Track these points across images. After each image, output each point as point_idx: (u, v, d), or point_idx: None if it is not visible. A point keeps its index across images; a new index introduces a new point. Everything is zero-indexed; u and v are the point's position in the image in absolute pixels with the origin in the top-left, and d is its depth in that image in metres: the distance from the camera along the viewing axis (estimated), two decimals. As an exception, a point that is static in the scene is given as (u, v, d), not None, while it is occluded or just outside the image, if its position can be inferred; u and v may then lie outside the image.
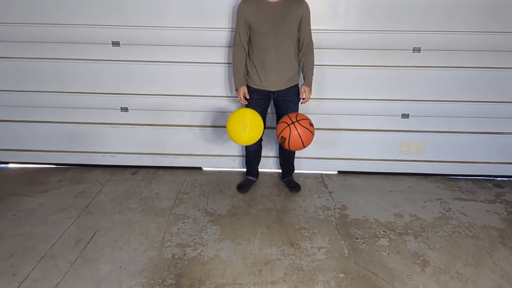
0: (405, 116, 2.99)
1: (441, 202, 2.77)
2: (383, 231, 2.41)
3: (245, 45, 2.47)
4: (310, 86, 2.56)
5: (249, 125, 2.34)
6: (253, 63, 2.48)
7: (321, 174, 3.18)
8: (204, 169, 3.24)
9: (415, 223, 2.50)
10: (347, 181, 3.07)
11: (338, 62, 2.82)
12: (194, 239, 2.29)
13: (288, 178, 2.93)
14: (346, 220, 2.52)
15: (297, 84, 2.58)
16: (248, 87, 2.56)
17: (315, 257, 2.15)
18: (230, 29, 2.71)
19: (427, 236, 2.37)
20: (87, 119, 3.06)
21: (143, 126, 3.08)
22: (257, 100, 2.56)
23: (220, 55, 2.80)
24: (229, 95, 2.94)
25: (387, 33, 2.72)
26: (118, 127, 3.08)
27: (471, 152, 3.09)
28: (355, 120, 3.01)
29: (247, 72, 2.55)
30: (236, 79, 2.52)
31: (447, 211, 2.66)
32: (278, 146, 2.90)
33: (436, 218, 2.57)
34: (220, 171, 3.20)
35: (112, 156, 3.18)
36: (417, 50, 2.77)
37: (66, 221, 2.45)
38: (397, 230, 2.42)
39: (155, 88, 2.94)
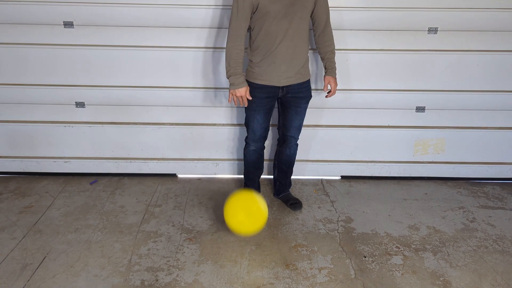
0: (420, 109, 3.03)
1: (464, 211, 2.82)
2: (396, 247, 2.44)
3: (245, 32, 2.38)
4: (335, 75, 2.55)
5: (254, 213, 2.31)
6: (257, 53, 2.40)
7: (321, 180, 3.19)
8: (180, 176, 3.22)
9: (434, 237, 2.53)
10: (352, 188, 3.09)
11: (340, 45, 2.84)
12: (168, 261, 2.28)
13: (285, 194, 2.90)
14: (351, 235, 2.54)
15: (309, 80, 2.57)
16: (249, 83, 2.46)
17: (315, 280, 2.16)
18: (214, 7, 2.71)
19: (448, 252, 2.40)
20: (34, 117, 3.02)
21: (104, 125, 3.05)
22: (261, 99, 2.48)
23: (200, 38, 2.80)
24: (210, 86, 2.94)
25: (397, 10, 2.76)
26: (72, 127, 3.05)
27: (499, 151, 3.15)
28: (361, 115, 3.04)
29: (248, 66, 2.49)
30: (237, 78, 2.37)
31: (471, 221, 2.70)
32: (274, 152, 2.89)
33: (458, 231, 2.60)
34: (199, 179, 3.19)
35: (65, 162, 3.14)
36: (433, 30, 2.82)
37: (9, 242, 2.40)
38: (413, 246, 2.45)
39: (118, 78, 2.91)
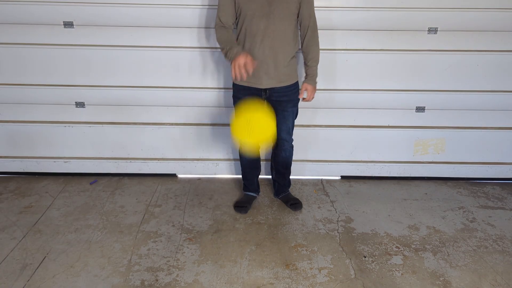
0: (420, 109, 3.03)
1: (464, 211, 2.82)
2: (396, 247, 2.44)
3: (229, 26, 2.39)
4: (314, 84, 2.50)
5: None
6: None
7: (321, 180, 3.20)
8: (180, 176, 3.22)
9: (434, 237, 2.54)
10: (352, 188, 3.10)
11: (339, 46, 2.85)
12: (168, 261, 2.28)
13: (285, 194, 2.88)
14: (351, 235, 2.54)
15: (297, 82, 2.54)
16: (233, 85, 2.51)
17: (315, 280, 2.16)
18: (214, 6, 2.71)
19: (448, 252, 2.40)
20: (34, 117, 3.02)
21: (104, 125, 3.05)
22: (246, 99, 2.46)
23: (200, 38, 2.80)
24: (210, 86, 2.94)
25: (397, 10, 2.76)
26: (72, 127, 3.05)
27: (499, 151, 3.15)
28: (361, 115, 3.05)
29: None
30: (231, 51, 2.26)
31: (471, 221, 2.71)
32: (270, 153, 2.89)
33: (458, 231, 2.61)
34: (199, 179, 3.19)
35: (65, 162, 3.14)
36: (433, 30, 2.82)
37: (9, 242, 2.40)
38: (413, 246, 2.45)
39: (118, 78, 2.91)
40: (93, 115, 3.02)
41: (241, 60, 2.21)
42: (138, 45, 2.82)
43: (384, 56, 2.88)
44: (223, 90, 2.95)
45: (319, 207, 2.83)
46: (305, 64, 2.51)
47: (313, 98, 2.54)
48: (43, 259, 2.27)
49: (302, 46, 2.49)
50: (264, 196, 2.94)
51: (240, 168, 2.83)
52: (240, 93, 2.49)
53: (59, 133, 3.06)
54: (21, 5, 2.70)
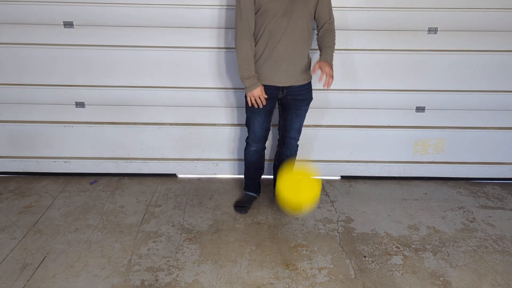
0: (420, 109, 3.03)
1: (464, 211, 2.82)
2: (396, 247, 2.44)
3: (252, 30, 2.34)
4: (330, 61, 2.36)
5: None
6: (258, 54, 2.38)
7: (321, 179, 3.20)
8: (180, 176, 3.22)
9: (434, 237, 2.54)
10: (352, 188, 3.10)
11: (339, 46, 2.83)
12: (168, 261, 2.28)
13: None
14: (351, 235, 2.54)
15: (311, 82, 2.54)
16: None
17: (315, 280, 2.16)
18: (215, 6, 2.71)
19: (448, 252, 2.40)
20: (34, 117, 3.02)
21: (104, 125, 3.05)
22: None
23: (200, 38, 2.80)
24: (210, 86, 2.94)
25: (397, 10, 2.76)
26: (72, 127, 3.05)
27: (499, 151, 3.15)
28: (361, 115, 3.05)
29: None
30: (249, 80, 2.35)
31: (471, 221, 2.71)
32: (274, 152, 2.87)
33: (458, 231, 2.61)
34: (199, 179, 3.19)
35: (65, 162, 3.14)
36: (433, 30, 2.82)
37: (9, 242, 2.40)
38: (413, 246, 2.45)
39: (118, 78, 2.91)
40: (93, 115, 3.02)
41: (258, 93, 2.38)
42: (138, 45, 2.82)
43: (384, 56, 2.88)
44: (223, 90, 2.95)
45: (319, 207, 2.83)
46: (321, 48, 2.41)
47: (331, 78, 2.31)
48: (43, 259, 2.28)
49: (318, 41, 2.45)
50: (264, 196, 2.94)
51: (244, 167, 2.81)
52: None
53: (59, 133, 3.06)
54: (21, 5, 2.70)
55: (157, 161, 3.17)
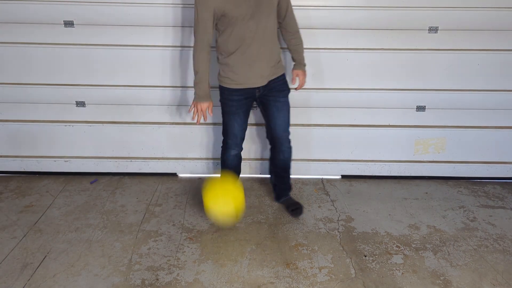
0: (420, 108, 3.03)
1: (465, 211, 2.82)
2: (397, 246, 2.44)
3: (210, 42, 2.30)
4: (303, 68, 2.57)
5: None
6: (230, 59, 2.32)
7: (322, 179, 3.20)
8: (180, 175, 3.22)
9: (434, 236, 2.54)
10: (352, 187, 3.09)
11: (340, 45, 2.84)
12: (169, 260, 2.28)
13: (286, 198, 2.80)
14: (352, 234, 2.54)
15: (284, 73, 2.49)
16: (224, 89, 2.43)
17: (316, 279, 2.16)
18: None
19: (448, 252, 2.40)
20: (34, 116, 3.02)
21: (104, 124, 3.05)
22: (240, 101, 2.43)
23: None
24: (211, 85, 2.93)
25: (398, 10, 2.76)
26: (73, 126, 3.05)
27: (500, 150, 3.15)
28: (361, 114, 3.04)
29: (221, 71, 2.41)
30: (201, 88, 2.35)
31: (472, 221, 2.70)
32: (264, 150, 2.85)
33: (458, 230, 2.60)
34: (200, 178, 3.19)
35: (66, 161, 3.14)
36: (433, 30, 2.81)
37: (9, 241, 2.41)
38: (413, 245, 2.45)
39: (118, 77, 2.91)
40: (93, 114, 3.02)
41: (204, 107, 2.38)
42: (139, 44, 2.82)
43: (384, 55, 2.87)
44: (223, 89, 2.94)
45: (319, 207, 2.83)
46: (291, 50, 2.54)
47: (305, 83, 2.60)
48: (44, 258, 2.28)
49: (283, 34, 2.50)
50: (265, 195, 2.94)
51: (221, 174, 2.69)
52: (234, 95, 2.41)
53: (59, 133, 3.06)
54: (21, 4, 2.70)
55: (157, 160, 3.17)
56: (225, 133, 2.56)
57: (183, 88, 2.94)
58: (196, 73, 2.35)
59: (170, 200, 2.87)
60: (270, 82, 2.42)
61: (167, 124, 3.06)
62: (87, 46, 2.82)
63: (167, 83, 2.93)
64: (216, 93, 2.49)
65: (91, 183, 3.08)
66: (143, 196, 2.92)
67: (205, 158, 3.17)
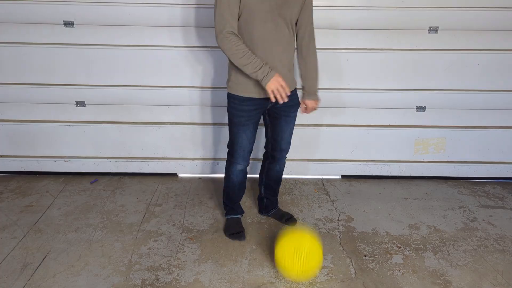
0: (420, 108, 3.03)
1: (465, 211, 2.82)
2: (397, 246, 2.44)
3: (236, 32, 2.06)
4: (316, 97, 2.33)
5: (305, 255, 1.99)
6: None
7: (322, 179, 3.20)
8: (180, 175, 3.22)
9: (434, 236, 2.54)
10: (352, 187, 3.09)
11: (340, 45, 2.84)
12: (169, 260, 2.28)
13: (275, 210, 2.69)
14: (352, 234, 2.54)
15: (296, 88, 2.34)
16: (235, 98, 2.20)
17: (315, 279, 2.16)
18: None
19: (448, 252, 2.40)
20: (35, 116, 3.02)
21: (104, 124, 3.05)
22: (250, 112, 2.22)
23: (201, 37, 2.81)
24: (211, 85, 2.94)
25: (398, 10, 2.76)
26: (73, 126, 3.05)
27: (499, 150, 3.15)
28: (361, 114, 3.04)
29: (232, 77, 2.19)
30: (261, 70, 2.02)
31: (472, 221, 2.70)
32: (262, 164, 2.65)
33: (458, 230, 2.61)
34: (200, 178, 3.19)
35: (66, 161, 3.14)
36: (434, 30, 2.81)
37: (10, 241, 2.40)
38: (413, 245, 2.45)
39: (118, 78, 2.91)
40: (93, 114, 3.02)
41: (279, 80, 2.02)
42: (139, 44, 2.82)
43: (384, 55, 2.87)
44: (224, 89, 2.94)
45: (319, 206, 2.83)
46: (305, 77, 2.29)
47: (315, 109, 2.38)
48: (44, 258, 2.28)
49: (299, 56, 2.28)
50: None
51: (225, 189, 2.52)
52: (244, 105, 2.20)
53: (59, 133, 3.06)
54: (21, 4, 2.70)
55: (157, 160, 3.17)
56: (231, 145, 2.36)
57: (183, 88, 2.94)
58: (244, 65, 2.03)
59: (170, 200, 2.87)
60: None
61: (167, 124, 3.06)
62: (87, 46, 2.82)
63: (167, 83, 2.93)
64: (223, 98, 2.34)
65: (91, 183, 3.08)
66: (143, 196, 2.92)
67: (205, 158, 3.17)
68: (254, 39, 2.08)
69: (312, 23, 2.24)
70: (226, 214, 2.60)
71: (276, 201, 2.71)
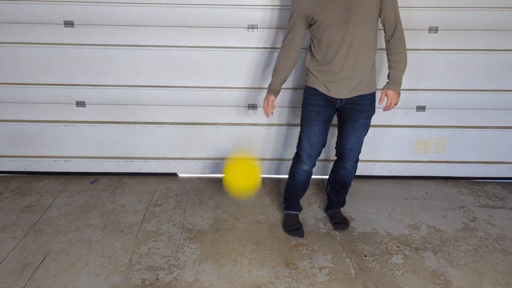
0: (420, 108, 3.03)
1: (465, 211, 2.82)
2: (397, 246, 2.44)
3: (297, 44, 2.26)
4: (397, 90, 2.28)
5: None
6: (317, 64, 2.24)
7: (322, 179, 3.19)
8: (180, 175, 3.22)
9: (434, 236, 2.54)
10: (352, 187, 3.08)
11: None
12: (169, 260, 2.28)
13: (333, 211, 2.68)
14: (352, 234, 2.54)
15: (375, 93, 2.34)
16: (307, 90, 2.32)
17: (316, 279, 2.16)
18: (216, 6, 2.70)
19: (448, 251, 2.40)
20: (35, 116, 3.01)
21: (104, 124, 3.05)
22: (319, 107, 2.28)
23: (201, 37, 2.80)
24: (211, 85, 2.94)
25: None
26: (73, 126, 3.05)
27: (500, 150, 3.15)
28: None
29: (309, 70, 2.30)
30: (273, 82, 2.35)
31: (472, 221, 2.70)
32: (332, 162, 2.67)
33: (458, 230, 2.60)
34: (200, 178, 3.19)
35: (66, 161, 3.14)
36: (433, 30, 2.81)
37: (10, 241, 2.40)
38: (413, 245, 2.45)
39: (118, 77, 2.91)
40: (93, 114, 3.02)
41: (271, 98, 2.35)
42: (139, 44, 2.82)
43: (384, 56, 2.86)
44: (224, 89, 2.94)
45: (319, 207, 2.83)
46: (390, 66, 2.29)
47: (395, 105, 2.32)
48: (44, 258, 2.28)
49: (387, 48, 2.29)
50: (265, 195, 2.94)
51: (287, 185, 2.58)
52: (314, 98, 2.28)
53: (59, 133, 3.06)
54: (22, 4, 2.70)
55: (157, 160, 3.17)
56: (299, 142, 2.40)
57: (183, 88, 2.94)
58: (274, 70, 2.35)
59: (170, 200, 2.87)
60: (354, 98, 2.27)
61: (167, 124, 3.06)
62: (88, 46, 2.82)
63: (167, 83, 2.93)
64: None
65: (91, 183, 3.08)
66: (143, 196, 2.92)
67: (205, 158, 3.17)
68: (321, 43, 2.20)
69: (396, 17, 2.23)
70: (285, 209, 2.65)
71: (339, 205, 2.69)
